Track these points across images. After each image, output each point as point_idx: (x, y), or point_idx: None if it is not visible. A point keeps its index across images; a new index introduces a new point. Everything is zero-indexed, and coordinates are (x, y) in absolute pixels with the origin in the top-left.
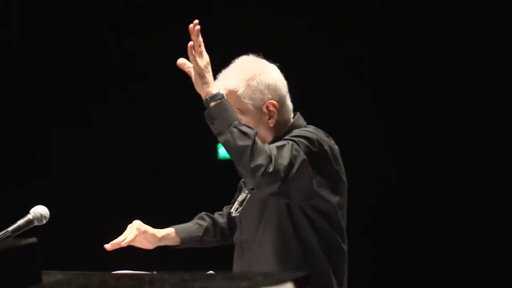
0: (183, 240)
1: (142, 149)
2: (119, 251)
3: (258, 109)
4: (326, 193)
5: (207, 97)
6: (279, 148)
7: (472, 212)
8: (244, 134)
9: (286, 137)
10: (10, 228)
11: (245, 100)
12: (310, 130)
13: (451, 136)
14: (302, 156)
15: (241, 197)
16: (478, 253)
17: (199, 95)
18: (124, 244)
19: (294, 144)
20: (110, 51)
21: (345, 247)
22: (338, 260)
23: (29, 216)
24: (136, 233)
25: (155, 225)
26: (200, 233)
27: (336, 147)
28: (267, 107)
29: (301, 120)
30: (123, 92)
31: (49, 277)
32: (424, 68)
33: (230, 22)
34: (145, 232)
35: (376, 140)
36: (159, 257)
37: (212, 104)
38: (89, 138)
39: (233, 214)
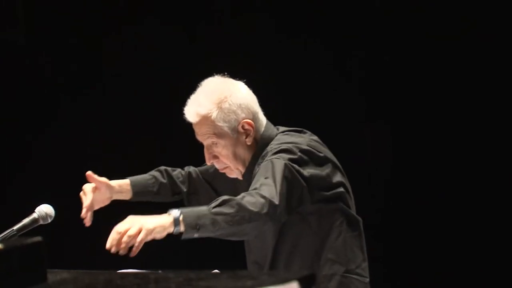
0: (136, 194)
1: (144, 149)
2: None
3: (234, 130)
4: (323, 186)
5: (172, 224)
6: (265, 182)
7: (477, 213)
8: (222, 203)
9: (264, 160)
10: (15, 227)
11: (219, 124)
12: (282, 141)
13: (458, 137)
14: (288, 168)
15: None
16: (481, 254)
17: None
18: (86, 212)
19: (277, 162)
20: (113, 49)
21: (360, 225)
22: (357, 237)
23: (34, 215)
24: (91, 197)
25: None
26: (155, 188)
27: (314, 138)
28: (242, 127)
29: (271, 128)
30: (125, 91)
31: (55, 275)
32: (425, 69)
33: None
34: (99, 188)
35: (382, 143)
36: (164, 256)
37: (182, 222)
38: (94, 137)
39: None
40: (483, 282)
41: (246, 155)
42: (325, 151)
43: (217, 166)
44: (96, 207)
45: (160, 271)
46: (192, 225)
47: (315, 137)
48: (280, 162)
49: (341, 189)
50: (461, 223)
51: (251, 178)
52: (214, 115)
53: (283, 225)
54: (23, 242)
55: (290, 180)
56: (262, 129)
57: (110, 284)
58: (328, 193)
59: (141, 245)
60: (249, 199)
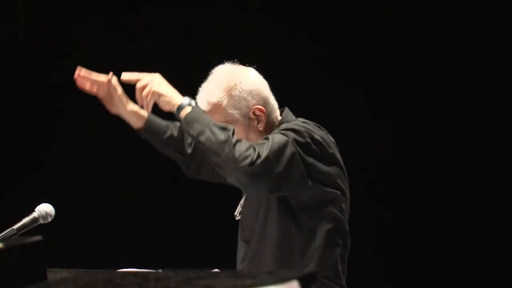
0: (146, 130)
1: (144, 149)
2: (123, 249)
3: (245, 116)
4: (323, 181)
5: (177, 108)
6: (265, 139)
7: (478, 212)
8: (223, 129)
9: (273, 132)
10: (15, 226)
11: (230, 111)
12: (298, 123)
13: (457, 136)
14: (290, 146)
15: (243, 199)
16: (481, 253)
17: None
18: (84, 76)
19: (281, 136)
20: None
21: (348, 236)
22: (341, 248)
23: (34, 214)
24: (106, 80)
25: (161, 225)
26: (165, 136)
27: (329, 137)
28: (253, 113)
29: (289, 115)
30: (125, 91)
31: (54, 274)
32: (425, 68)
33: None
34: (115, 89)
35: (382, 143)
36: (164, 255)
37: (188, 110)
38: (94, 136)
39: (237, 218)
40: (483, 282)
41: (259, 140)
42: (336, 153)
43: None
44: (101, 97)
45: (160, 270)
46: (189, 120)
47: (331, 138)
48: (282, 137)
49: (340, 194)
50: (461, 222)
51: None
52: (225, 102)
53: (275, 215)
54: (23, 241)
55: (288, 156)
56: (275, 113)
57: (110, 283)
58: (326, 190)
59: (150, 104)
60: (243, 143)
